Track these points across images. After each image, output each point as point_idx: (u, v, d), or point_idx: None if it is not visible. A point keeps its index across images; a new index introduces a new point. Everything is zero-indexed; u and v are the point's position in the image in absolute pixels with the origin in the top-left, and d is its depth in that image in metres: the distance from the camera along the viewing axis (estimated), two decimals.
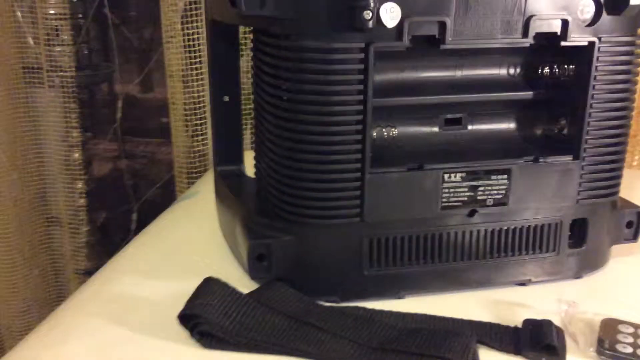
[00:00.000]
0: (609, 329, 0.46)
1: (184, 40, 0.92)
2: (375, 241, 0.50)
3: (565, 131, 0.53)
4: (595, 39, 0.49)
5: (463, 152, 0.52)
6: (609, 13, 0.49)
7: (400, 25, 0.45)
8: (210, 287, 0.46)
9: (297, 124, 0.47)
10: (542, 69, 0.53)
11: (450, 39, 0.46)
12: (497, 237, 0.52)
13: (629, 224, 0.57)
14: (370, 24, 0.43)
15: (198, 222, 0.67)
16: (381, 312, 0.48)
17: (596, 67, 0.50)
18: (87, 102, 1.14)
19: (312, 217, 0.49)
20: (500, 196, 0.51)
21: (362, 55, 0.45)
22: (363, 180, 0.48)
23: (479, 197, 0.51)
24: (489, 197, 0.51)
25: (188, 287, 0.48)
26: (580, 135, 0.51)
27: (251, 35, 0.53)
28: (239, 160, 0.62)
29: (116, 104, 1.12)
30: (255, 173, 0.57)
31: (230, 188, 0.59)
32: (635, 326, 0.46)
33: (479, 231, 0.52)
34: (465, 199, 0.50)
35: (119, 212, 1.17)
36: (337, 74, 0.46)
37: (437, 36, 0.46)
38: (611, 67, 0.50)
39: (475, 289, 0.53)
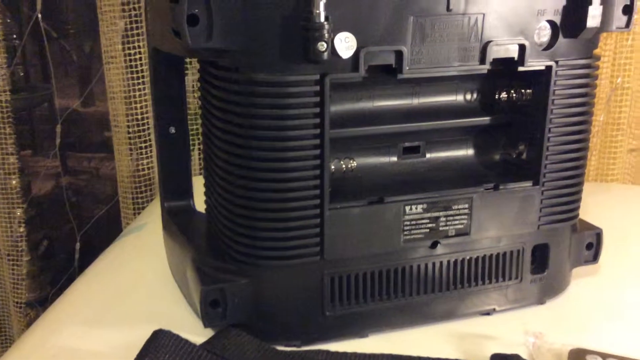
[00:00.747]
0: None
1: (125, 61, 0.87)
2: (337, 279, 0.47)
3: (524, 156, 0.52)
4: (552, 63, 0.48)
5: (423, 181, 0.50)
6: (565, 36, 0.48)
7: (355, 55, 0.42)
8: (159, 341, 0.42)
9: (249, 160, 0.44)
10: (500, 94, 0.51)
11: (407, 68, 0.44)
12: (460, 267, 0.50)
13: (589, 246, 0.56)
14: (325, 55, 0.40)
15: (146, 260, 0.62)
16: (344, 354, 0.45)
17: (554, 91, 0.48)
18: (27, 119, 1.08)
19: (268, 258, 0.46)
20: (461, 226, 0.49)
21: (317, 88, 0.42)
22: (322, 217, 0.45)
23: (441, 228, 0.48)
24: (451, 227, 0.49)
25: (138, 336, 0.44)
26: (539, 160, 0.50)
27: (197, 64, 0.50)
28: (188, 195, 0.58)
29: (56, 119, 1.06)
30: (206, 209, 0.54)
31: (179, 226, 0.55)
32: (603, 356, 0.45)
33: (441, 262, 0.49)
34: (427, 230, 0.48)
35: (62, 235, 1.11)
36: (291, 108, 0.43)
37: (393, 65, 0.44)
38: (569, 91, 0.49)
39: (440, 322, 0.51)
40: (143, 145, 0.91)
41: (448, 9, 0.44)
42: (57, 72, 1.02)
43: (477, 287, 0.51)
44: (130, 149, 0.92)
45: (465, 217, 0.49)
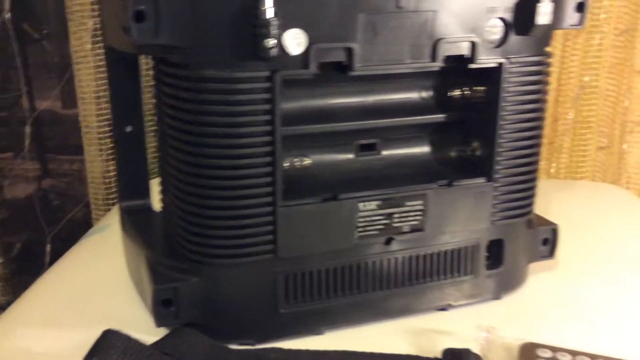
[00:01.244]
0: (528, 354, 0.45)
1: (95, 61, 0.87)
2: (291, 277, 0.47)
3: (478, 153, 0.52)
4: (504, 60, 0.48)
5: (378, 178, 0.50)
6: (517, 34, 0.48)
7: (306, 52, 0.42)
8: (108, 341, 0.41)
9: (201, 157, 0.43)
10: (453, 92, 0.51)
11: (358, 65, 0.44)
12: (415, 263, 0.50)
13: (545, 241, 0.56)
14: (274, 52, 0.40)
15: (107, 261, 0.61)
16: (298, 352, 0.45)
17: (505, 88, 0.48)
18: (4, 121, 1.07)
19: (220, 256, 0.45)
20: (416, 222, 0.49)
21: (267, 84, 0.42)
22: (275, 214, 0.45)
23: (395, 225, 0.48)
24: (405, 223, 0.49)
25: (92, 337, 0.42)
26: (492, 156, 0.50)
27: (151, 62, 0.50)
28: (145, 194, 0.58)
29: (31, 120, 1.04)
30: (162, 208, 0.53)
31: (136, 226, 0.55)
32: (553, 349, 0.45)
33: (396, 259, 0.49)
34: (382, 227, 0.48)
35: (36, 238, 1.10)
36: (242, 104, 0.42)
37: (345, 63, 0.44)
38: (520, 88, 0.49)
39: (396, 318, 0.50)
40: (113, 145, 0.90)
41: (398, 5, 0.44)
42: (38, 74, 1.00)
43: (432, 283, 0.51)
44: (101, 150, 0.92)
45: (420, 213, 0.49)
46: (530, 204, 0.53)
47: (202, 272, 0.46)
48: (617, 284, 0.58)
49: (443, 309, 0.52)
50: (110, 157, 0.91)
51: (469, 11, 0.46)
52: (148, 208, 0.58)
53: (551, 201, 0.77)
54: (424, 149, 0.53)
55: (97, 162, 0.93)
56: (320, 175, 0.49)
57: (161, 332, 0.46)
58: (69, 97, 1.02)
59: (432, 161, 0.53)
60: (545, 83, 0.51)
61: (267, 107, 0.43)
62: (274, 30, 0.40)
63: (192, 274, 0.46)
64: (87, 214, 1.05)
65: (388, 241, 0.49)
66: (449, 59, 0.46)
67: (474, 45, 0.47)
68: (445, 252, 0.51)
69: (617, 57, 0.99)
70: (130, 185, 0.57)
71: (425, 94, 0.52)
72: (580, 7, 0.49)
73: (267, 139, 0.43)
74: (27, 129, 1.03)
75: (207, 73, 0.42)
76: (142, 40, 0.40)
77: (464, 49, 0.47)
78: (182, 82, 0.43)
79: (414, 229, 0.49)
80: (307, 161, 0.49)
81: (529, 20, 0.47)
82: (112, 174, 0.92)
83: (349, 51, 0.43)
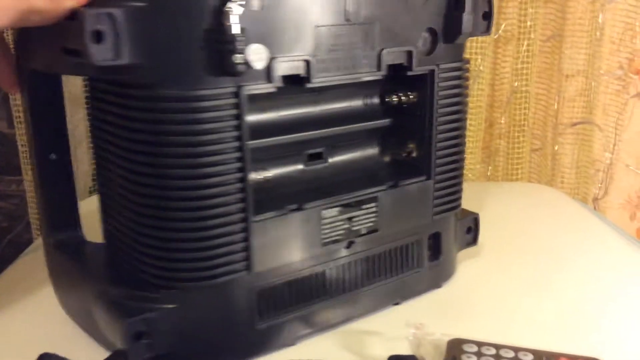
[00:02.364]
0: (455, 349, 0.51)
1: None
2: (265, 291, 0.52)
3: (414, 154, 0.62)
4: (434, 67, 0.58)
5: (331, 185, 0.57)
6: (444, 42, 0.58)
7: (268, 66, 0.48)
8: None
9: (167, 179, 0.47)
10: (390, 98, 0.60)
11: (315, 77, 0.50)
12: (372, 263, 0.59)
13: (469, 230, 0.68)
14: (241, 67, 0.45)
15: (37, 284, 0.64)
16: None
17: (437, 92, 0.59)
18: None
19: (195, 279, 0.49)
20: (371, 224, 0.57)
21: (234, 100, 0.47)
22: (248, 229, 0.49)
23: (354, 228, 0.56)
24: (363, 226, 0.57)
25: None
26: (429, 156, 0.60)
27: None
28: (76, 224, 0.59)
29: None
30: (105, 237, 0.55)
31: (73, 259, 0.56)
32: (479, 344, 0.52)
33: (356, 261, 0.57)
34: (343, 231, 0.56)
35: None
36: (210, 122, 0.46)
37: (303, 75, 0.50)
38: (448, 91, 0.60)
39: (359, 319, 0.59)
40: None
41: (347, 18, 0.52)
42: None
43: (387, 280, 0.60)
44: None
45: (374, 215, 0.57)
46: (459, 198, 0.64)
47: (174, 298, 0.49)
48: (539, 275, 0.68)
49: (396, 303, 0.62)
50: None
51: (405, 24, 0.55)
52: (82, 240, 0.59)
53: (485, 201, 0.90)
54: (365, 153, 0.62)
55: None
56: (278, 187, 0.55)
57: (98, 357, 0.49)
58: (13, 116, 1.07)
59: (373, 165, 0.62)
60: (466, 87, 0.62)
61: (234, 122, 0.47)
62: (240, 46, 0.45)
63: (163, 302, 0.49)
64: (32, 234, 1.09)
65: (349, 245, 0.56)
66: (390, 67, 0.55)
67: (410, 54, 0.56)
68: (397, 249, 0.60)
69: (545, 62, 1.16)
70: (60, 217, 0.58)
71: (366, 102, 0.60)
72: (487, 16, 0.61)
73: (236, 154, 0.48)
74: None
75: (171, 92, 0.45)
76: (101, 61, 0.42)
77: (402, 58, 0.56)
78: (141, 103, 0.46)
79: (370, 231, 0.57)
80: (268, 174, 0.55)
81: (456, 30, 0.58)
82: None
83: (307, 63, 0.50)
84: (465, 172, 1.08)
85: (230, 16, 0.44)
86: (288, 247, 0.53)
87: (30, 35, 0.49)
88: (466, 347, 0.52)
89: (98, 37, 0.42)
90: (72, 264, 0.56)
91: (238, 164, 0.48)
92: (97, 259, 0.56)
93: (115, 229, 0.53)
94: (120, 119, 0.48)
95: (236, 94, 0.47)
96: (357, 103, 0.61)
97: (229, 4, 0.44)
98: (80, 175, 1.07)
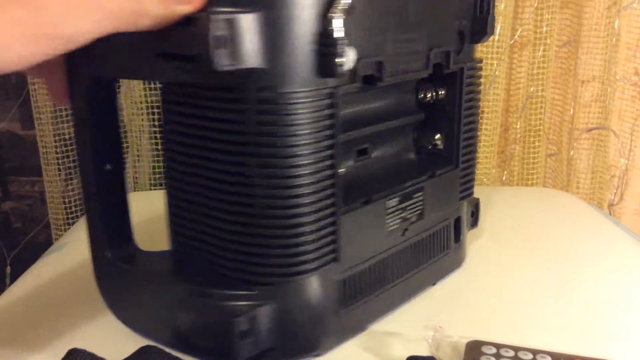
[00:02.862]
0: (473, 351, 0.54)
1: None
2: (347, 280, 0.58)
3: (440, 145, 0.70)
4: (463, 65, 0.67)
5: (384, 178, 0.64)
6: (470, 42, 0.67)
7: (354, 67, 0.52)
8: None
9: (269, 179, 0.51)
10: (424, 94, 0.69)
11: (386, 77, 0.57)
12: (419, 248, 0.67)
13: (472, 213, 0.78)
14: (341, 69, 0.49)
15: (65, 279, 0.69)
16: None
17: (464, 88, 0.68)
18: None
19: (294, 273, 0.53)
20: (419, 211, 0.65)
21: (331, 100, 0.51)
22: (337, 222, 0.54)
23: (408, 216, 0.64)
24: (413, 214, 0.65)
25: (57, 356, 0.51)
26: (457, 147, 0.69)
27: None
28: (132, 235, 0.62)
29: None
30: (178, 243, 0.59)
31: (148, 270, 0.59)
32: (497, 346, 0.55)
33: (408, 247, 0.65)
34: (400, 220, 0.63)
35: None
36: (312, 122, 0.51)
37: (376, 75, 0.56)
38: (470, 88, 0.69)
39: (408, 302, 0.67)
40: (72, 165, 1.03)
41: (409, 21, 0.59)
42: None
43: (428, 263, 0.69)
44: (59, 169, 1.03)
45: (421, 203, 0.65)
46: (473, 185, 0.74)
47: (270, 294, 0.53)
48: (554, 277, 0.73)
49: (433, 284, 0.70)
50: (69, 176, 1.04)
51: (445, 26, 0.64)
52: (139, 250, 0.62)
53: (501, 205, 0.97)
54: (399, 147, 0.70)
55: (56, 182, 1.04)
56: (347, 181, 0.60)
57: (127, 352, 0.53)
58: (29, 117, 1.11)
59: (406, 158, 0.70)
60: (480, 84, 0.72)
61: (330, 121, 0.52)
62: (341, 49, 0.49)
63: (261, 299, 0.53)
64: (49, 235, 1.13)
65: (403, 232, 0.64)
66: (434, 66, 0.63)
67: (448, 54, 0.64)
68: (435, 234, 0.68)
69: (561, 67, 1.23)
70: (117, 230, 0.60)
71: (404, 98, 0.69)
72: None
73: (330, 151, 0.52)
74: None
75: (280, 94, 0.49)
76: (222, 67, 0.45)
77: (442, 58, 0.64)
78: (245, 105, 0.49)
79: (418, 218, 0.65)
80: (342, 169, 0.58)
81: (482, 31, 0.67)
82: (71, 193, 1.05)
83: (380, 64, 0.56)
84: (480, 176, 1.18)
85: (334, 21, 0.49)
86: (363, 237, 0.59)
87: (100, 41, 0.49)
88: (485, 349, 0.54)
89: (219, 41, 0.45)
90: (143, 275, 0.59)
91: (331, 160, 0.53)
92: (172, 265, 0.59)
93: (193, 234, 0.56)
94: (219, 122, 0.51)
95: (331, 94, 0.51)
96: (398, 100, 0.69)
97: (333, 10, 0.49)
98: None
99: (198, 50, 0.45)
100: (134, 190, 1.13)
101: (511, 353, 0.54)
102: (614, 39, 1.19)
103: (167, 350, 0.54)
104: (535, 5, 1.18)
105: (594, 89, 1.21)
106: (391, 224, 0.63)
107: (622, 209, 1.32)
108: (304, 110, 0.50)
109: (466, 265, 0.76)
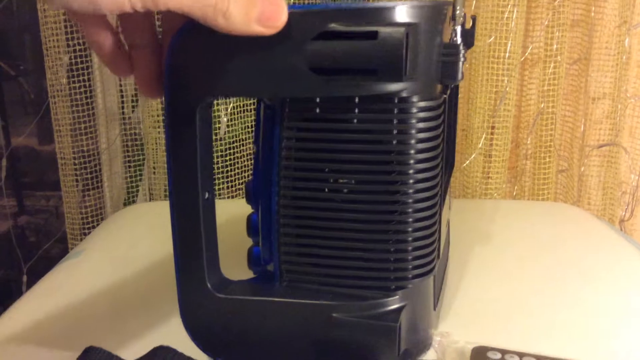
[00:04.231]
0: (479, 356, 0.56)
1: (71, 94, 0.98)
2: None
3: None
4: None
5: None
6: None
7: None
8: (90, 357, 0.51)
9: (406, 185, 0.54)
10: None
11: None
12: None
13: None
14: (459, 75, 0.54)
15: (83, 283, 0.72)
16: None
17: None
18: None
19: (425, 273, 0.57)
20: None
21: (443, 106, 0.56)
22: (440, 220, 0.59)
23: None
24: None
25: (73, 355, 0.54)
26: None
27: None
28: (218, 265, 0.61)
29: (7, 155, 1.14)
30: (287, 262, 0.59)
31: (259, 289, 0.59)
32: (502, 352, 0.57)
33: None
34: None
35: (14, 273, 1.12)
36: (439, 127, 0.55)
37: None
38: None
39: None
40: (89, 177, 1.01)
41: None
42: (14, 110, 1.06)
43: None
44: (77, 180, 1.01)
45: None
46: None
47: (405, 296, 0.56)
48: (559, 284, 0.76)
49: None
50: (87, 187, 1.01)
51: None
52: (227, 279, 0.61)
53: (510, 218, 1.02)
54: None
55: (74, 193, 1.04)
56: None
57: (140, 351, 0.55)
58: (46, 133, 1.10)
59: None
60: None
61: (442, 126, 0.56)
62: (461, 58, 0.53)
63: (401, 301, 0.56)
64: (62, 249, 1.11)
65: None
66: None
67: None
68: None
69: (572, 84, 1.27)
70: (214, 260, 0.59)
71: None
72: None
73: (438, 151, 0.55)
74: (3, 163, 1.08)
75: (424, 103, 0.52)
76: (405, 79, 0.50)
77: None
78: (390, 115, 0.52)
79: None
80: None
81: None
82: (88, 204, 1.10)
83: None
84: (491, 191, 1.19)
85: (458, 31, 0.54)
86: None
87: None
88: (490, 355, 0.56)
89: (407, 54, 0.49)
90: (266, 293, 0.58)
91: (441, 162, 0.57)
92: (281, 290, 0.59)
93: (309, 250, 0.57)
94: (363, 134, 0.53)
95: (444, 101, 0.57)
96: None
97: (456, 21, 0.54)
98: (115, 189, 1.11)
99: (384, 63, 0.48)
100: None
101: (516, 359, 0.56)
102: (624, 57, 1.23)
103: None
104: (546, 23, 1.21)
105: (605, 106, 1.27)
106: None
107: (634, 225, 1.37)
108: (431, 117, 0.54)
109: (474, 272, 0.79)
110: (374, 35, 0.48)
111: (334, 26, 0.48)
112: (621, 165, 1.32)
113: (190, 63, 0.51)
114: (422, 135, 0.53)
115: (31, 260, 1.22)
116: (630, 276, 0.80)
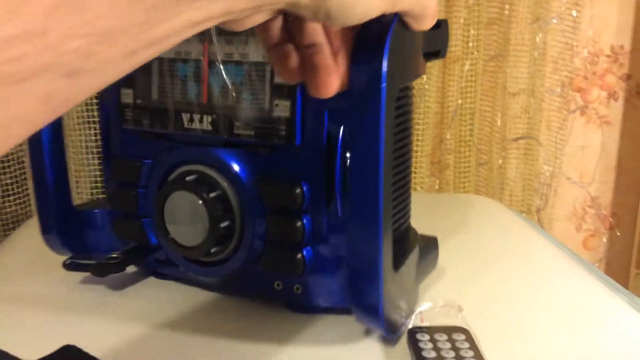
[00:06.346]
0: (412, 340, 0.56)
1: None
2: None
3: None
4: None
5: None
6: None
7: None
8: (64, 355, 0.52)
9: None
10: None
11: None
12: None
13: None
14: None
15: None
16: None
17: None
18: None
19: None
20: None
21: None
22: None
23: None
24: None
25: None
26: None
27: None
28: None
29: None
30: None
31: None
32: (430, 331, 0.58)
33: None
34: None
35: None
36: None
37: None
38: None
39: None
40: (9, 182, 1.06)
41: None
42: None
43: None
44: None
45: None
46: None
47: None
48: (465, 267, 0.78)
49: None
50: (6, 193, 1.06)
51: None
52: None
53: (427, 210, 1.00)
54: None
55: None
56: None
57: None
58: None
59: None
60: None
61: None
62: None
63: None
64: None
65: None
66: None
67: None
68: None
69: (490, 80, 1.33)
70: None
71: None
72: None
73: None
74: None
75: None
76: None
77: None
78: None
79: None
80: None
81: None
82: (8, 209, 1.07)
83: None
84: (414, 184, 1.24)
85: None
86: None
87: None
88: (419, 337, 0.57)
89: None
90: None
91: None
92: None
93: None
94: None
95: None
96: None
97: None
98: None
99: (442, 46, 0.62)
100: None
101: (445, 337, 0.57)
102: (536, 53, 1.29)
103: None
104: (462, 21, 1.25)
105: (522, 100, 1.30)
106: None
107: (553, 215, 1.44)
108: None
109: None
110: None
111: None
112: (539, 157, 1.38)
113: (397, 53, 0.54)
114: None
115: None
116: (531, 258, 0.85)
